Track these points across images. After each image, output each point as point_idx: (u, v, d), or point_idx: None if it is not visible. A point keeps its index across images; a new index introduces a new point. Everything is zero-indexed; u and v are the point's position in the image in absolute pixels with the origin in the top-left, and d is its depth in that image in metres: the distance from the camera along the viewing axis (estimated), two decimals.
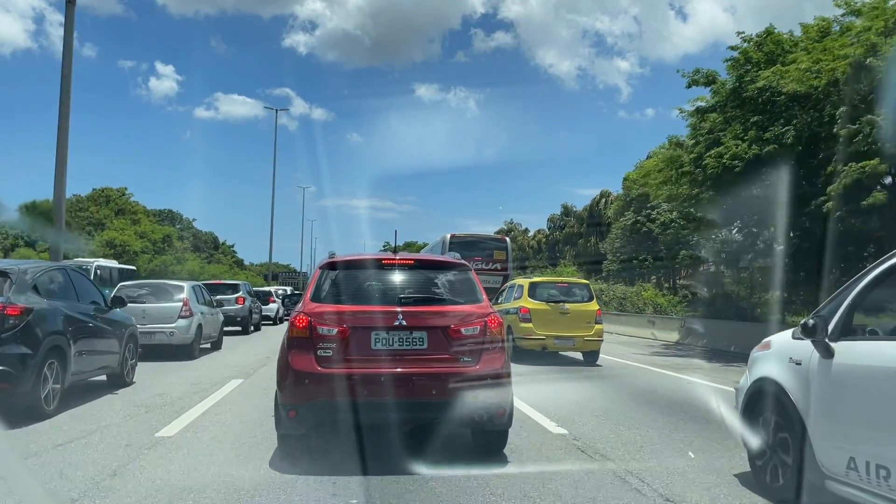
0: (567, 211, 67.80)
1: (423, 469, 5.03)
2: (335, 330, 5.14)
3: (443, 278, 5.82)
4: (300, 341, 5.17)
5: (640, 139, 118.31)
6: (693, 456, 5.81)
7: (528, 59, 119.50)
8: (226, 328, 19.02)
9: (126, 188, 53.23)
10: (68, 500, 4.29)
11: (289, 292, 35.13)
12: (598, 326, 14.20)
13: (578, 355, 14.87)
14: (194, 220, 73.78)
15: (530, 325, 14.02)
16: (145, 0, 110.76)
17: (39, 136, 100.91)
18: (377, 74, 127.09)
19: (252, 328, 21.78)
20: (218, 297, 18.85)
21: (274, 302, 28.27)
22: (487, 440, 5.66)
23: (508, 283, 17.62)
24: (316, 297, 5.48)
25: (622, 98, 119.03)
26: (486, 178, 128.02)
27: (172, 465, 5.24)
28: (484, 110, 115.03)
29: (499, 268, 24.63)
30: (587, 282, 17.02)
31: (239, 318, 20.40)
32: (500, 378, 5.28)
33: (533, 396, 8.49)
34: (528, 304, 14.36)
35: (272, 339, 18.68)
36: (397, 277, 5.73)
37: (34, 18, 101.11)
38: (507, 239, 26.67)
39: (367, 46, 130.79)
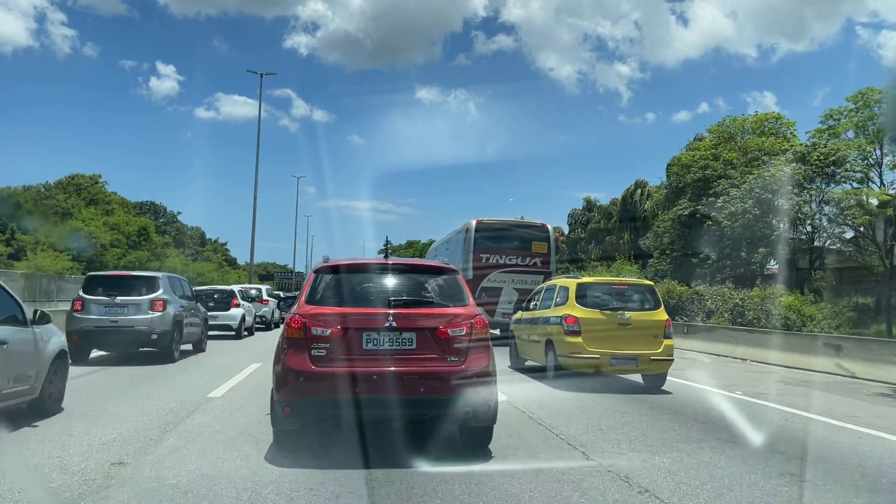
0: (590, 205, 61.84)
1: (412, 463, 5.23)
2: (328, 331, 5.37)
3: (432, 282, 6.08)
4: (295, 341, 5.40)
5: (640, 143, 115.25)
6: None
7: (529, 62, 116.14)
8: (140, 350, 12.68)
9: (100, 175, 47.91)
10: None
11: (263, 292, 26.84)
12: (667, 342, 10.76)
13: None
14: (179, 213, 68.64)
15: (579, 339, 10.55)
16: (147, 0, 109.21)
17: (31, 128, 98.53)
18: (378, 76, 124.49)
19: (184, 350, 14.06)
20: (119, 298, 12.38)
21: (238, 306, 20.02)
22: (473, 435, 5.85)
23: (546, 284, 12.73)
24: (311, 300, 5.69)
25: (622, 102, 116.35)
26: (487, 181, 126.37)
27: None
28: (484, 113, 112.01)
29: (538, 264, 19.19)
30: (651, 283, 12.00)
31: (155, 336, 12.42)
32: (485, 376, 5.50)
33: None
34: (577, 311, 10.80)
35: (210, 373, 11.45)
36: (388, 281, 5.98)
37: (35, 17, 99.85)
38: (549, 226, 20.54)
39: (368, 48, 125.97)
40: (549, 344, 11.12)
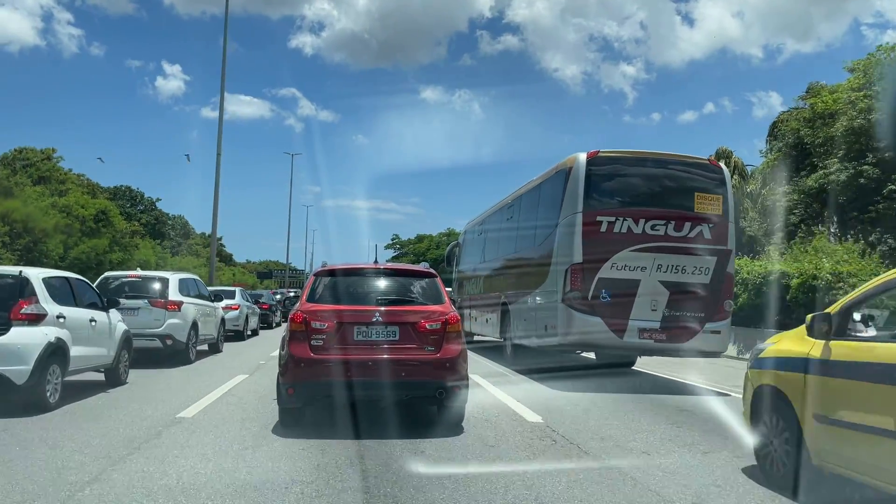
0: None
1: (393, 438, 6.10)
2: (325, 324, 6.38)
3: (414, 283, 7.09)
4: (297, 333, 6.37)
5: (646, 144, 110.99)
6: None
7: (534, 62, 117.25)
8: None
9: (54, 150, 39.80)
10: None
11: (171, 286, 10.25)
12: None
13: None
14: (158, 199, 60.91)
15: None
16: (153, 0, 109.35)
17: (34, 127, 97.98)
18: (383, 76, 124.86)
19: None
20: None
21: (36, 320, 7.33)
22: (447, 413, 6.67)
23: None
24: (311, 298, 6.75)
25: (628, 103, 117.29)
26: (489, 181, 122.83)
27: None
28: (488, 112, 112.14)
29: (706, 235, 10.09)
30: None
31: None
32: (456, 363, 6.42)
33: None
34: None
35: None
36: (376, 283, 7.14)
37: (42, 16, 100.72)
38: (724, 166, 11.25)
39: (373, 48, 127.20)
40: None
